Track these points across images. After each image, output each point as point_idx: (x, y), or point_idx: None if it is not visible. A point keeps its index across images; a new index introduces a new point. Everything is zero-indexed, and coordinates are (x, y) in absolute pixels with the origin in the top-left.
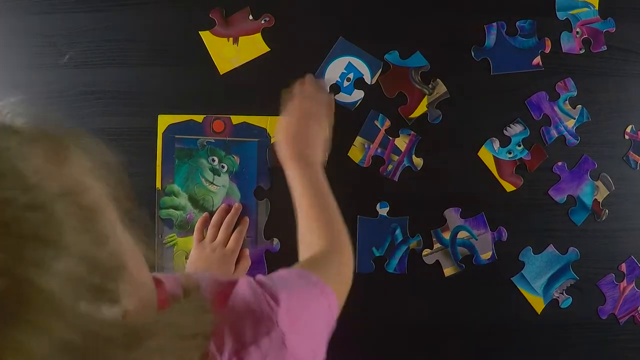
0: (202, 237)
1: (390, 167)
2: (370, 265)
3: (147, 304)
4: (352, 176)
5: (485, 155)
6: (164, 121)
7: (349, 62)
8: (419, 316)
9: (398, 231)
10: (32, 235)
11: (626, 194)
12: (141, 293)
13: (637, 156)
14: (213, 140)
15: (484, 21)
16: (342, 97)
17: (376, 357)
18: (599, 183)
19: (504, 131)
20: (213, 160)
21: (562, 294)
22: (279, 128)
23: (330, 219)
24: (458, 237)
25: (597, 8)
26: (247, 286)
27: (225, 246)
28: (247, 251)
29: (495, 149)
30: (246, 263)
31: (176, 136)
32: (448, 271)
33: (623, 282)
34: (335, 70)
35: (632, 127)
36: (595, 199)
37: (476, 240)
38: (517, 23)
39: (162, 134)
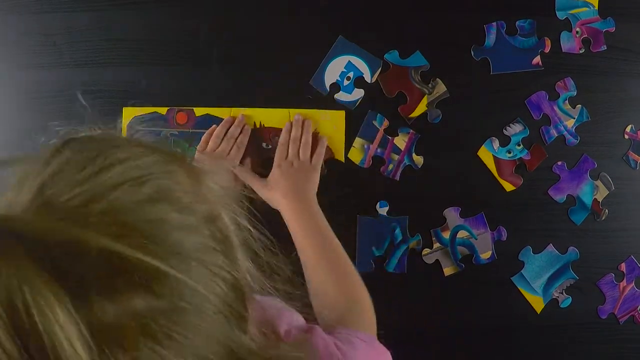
0: (205, 147)
1: (390, 166)
2: (369, 264)
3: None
4: (353, 177)
5: (485, 154)
6: (128, 113)
7: (349, 60)
8: (419, 316)
9: (398, 231)
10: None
11: (626, 193)
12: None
13: (637, 156)
14: (177, 132)
15: (483, 21)
16: (342, 96)
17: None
18: (598, 183)
19: (504, 131)
20: None
21: (562, 293)
22: (272, 173)
23: (342, 268)
24: (458, 236)
25: (596, 8)
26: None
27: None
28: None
29: (495, 148)
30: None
31: (140, 128)
32: (448, 271)
33: (623, 281)
34: (335, 69)
35: (631, 127)
36: (595, 199)
37: (476, 239)
38: (517, 23)
39: (127, 125)
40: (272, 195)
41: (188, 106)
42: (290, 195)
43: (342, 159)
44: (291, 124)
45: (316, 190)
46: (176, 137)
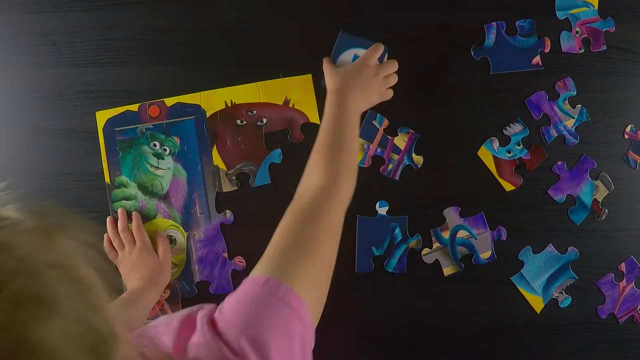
0: (116, 253)
1: (390, 166)
2: (369, 264)
3: None
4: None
5: (485, 154)
6: (102, 117)
7: (355, 54)
8: (419, 316)
9: (397, 230)
10: (25, 298)
11: (626, 193)
12: None
13: (637, 156)
14: (151, 126)
15: (483, 21)
16: None
17: (375, 357)
18: (598, 183)
19: (504, 130)
20: (155, 145)
21: (562, 293)
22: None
23: (339, 148)
24: (457, 236)
25: (596, 7)
26: (202, 342)
27: (135, 244)
28: (159, 232)
29: (495, 148)
30: (162, 239)
31: (116, 129)
32: (447, 270)
33: (622, 281)
34: (344, 63)
35: (631, 127)
36: (595, 199)
37: (475, 239)
38: (517, 22)
39: (102, 129)
40: (329, 81)
41: (158, 99)
42: (340, 92)
43: (318, 121)
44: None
45: (369, 103)
46: (151, 130)
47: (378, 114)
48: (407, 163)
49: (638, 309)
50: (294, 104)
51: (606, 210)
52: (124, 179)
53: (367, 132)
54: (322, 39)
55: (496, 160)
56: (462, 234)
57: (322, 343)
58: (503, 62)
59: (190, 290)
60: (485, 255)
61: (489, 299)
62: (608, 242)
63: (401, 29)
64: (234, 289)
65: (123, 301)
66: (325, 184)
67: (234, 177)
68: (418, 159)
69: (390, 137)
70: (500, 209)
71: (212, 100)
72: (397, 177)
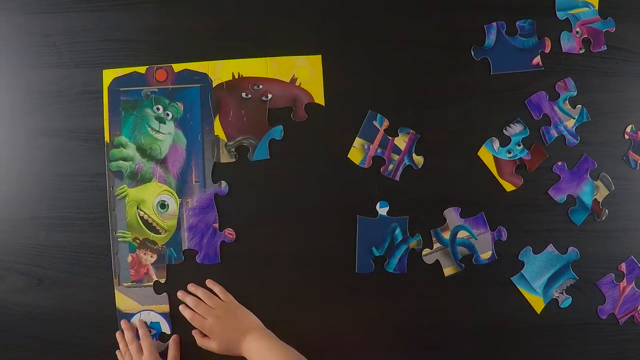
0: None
1: (391, 166)
2: (369, 265)
3: None
4: (353, 177)
5: (485, 154)
6: (109, 75)
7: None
8: (419, 316)
9: (398, 231)
10: None
11: (626, 193)
12: None
13: (637, 156)
14: (157, 90)
15: (484, 21)
16: None
17: (375, 357)
18: (598, 183)
19: (504, 131)
20: (158, 109)
21: (562, 293)
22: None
23: None
24: (458, 236)
25: (597, 8)
26: None
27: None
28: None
29: (495, 148)
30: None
31: (121, 88)
32: (448, 271)
33: (623, 281)
34: None
35: (631, 127)
36: (595, 199)
37: (476, 240)
38: (517, 23)
39: (107, 87)
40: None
41: (166, 63)
42: (226, 351)
43: (322, 103)
44: (183, 293)
45: (252, 321)
46: (156, 94)
47: (378, 115)
48: (407, 163)
49: (638, 309)
50: (300, 83)
51: (606, 211)
52: (123, 139)
53: (367, 133)
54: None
55: (496, 160)
56: (462, 234)
57: (322, 343)
58: (503, 63)
59: (177, 257)
60: (485, 255)
61: (490, 300)
62: (608, 242)
63: (401, 28)
64: (221, 261)
65: None
66: None
67: (233, 149)
68: (418, 160)
69: (390, 138)
70: (500, 209)
71: (220, 71)
72: (397, 178)
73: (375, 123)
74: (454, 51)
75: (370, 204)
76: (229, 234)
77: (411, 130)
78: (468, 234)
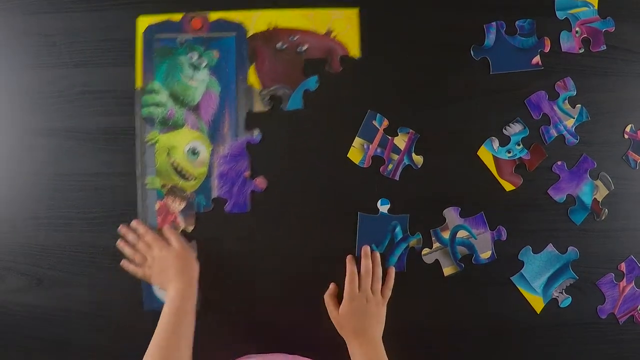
0: (142, 270)
1: (390, 166)
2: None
3: None
4: (353, 177)
5: (485, 154)
6: (144, 22)
7: None
8: (418, 315)
9: (398, 229)
10: None
11: (625, 193)
12: None
13: (637, 155)
14: (192, 38)
15: (483, 20)
16: None
17: None
18: (598, 182)
19: (504, 130)
20: (192, 57)
21: (562, 293)
22: (341, 309)
23: None
24: (457, 236)
25: (596, 7)
26: None
27: (152, 250)
28: (163, 228)
29: (495, 148)
30: (170, 233)
31: (156, 35)
32: (447, 270)
33: (622, 281)
34: None
35: (631, 127)
36: (595, 199)
37: (475, 239)
38: (517, 22)
39: (142, 34)
40: (343, 332)
41: (202, 11)
42: (361, 336)
43: (357, 55)
44: (352, 256)
45: (383, 326)
46: (191, 42)
47: (378, 114)
48: (407, 163)
49: (638, 308)
50: (335, 35)
51: (606, 210)
52: (156, 85)
53: (367, 132)
54: None
55: (496, 160)
56: (462, 234)
57: (322, 342)
58: (503, 62)
59: (206, 205)
60: (485, 255)
61: (489, 299)
62: (608, 242)
63: (401, 28)
64: (250, 210)
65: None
66: None
67: (267, 98)
68: (418, 159)
69: (390, 137)
70: (500, 209)
71: (256, 21)
72: (397, 177)
73: (375, 123)
74: (453, 51)
75: (370, 203)
76: (260, 183)
77: (411, 130)
78: (468, 233)
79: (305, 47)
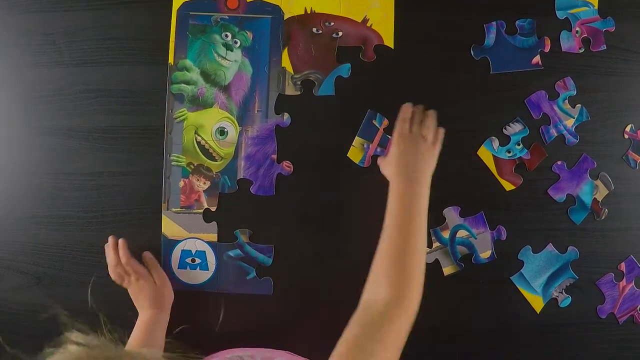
0: (122, 280)
1: None
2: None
3: None
4: (353, 177)
5: (485, 154)
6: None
7: None
8: (418, 315)
9: None
10: None
11: (626, 193)
12: None
13: (637, 155)
14: (227, 17)
15: (483, 20)
16: None
17: None
18: (598, 182)
19: (504, 130)
20: (226, 36)
21: (562, 293)
22: (392, 149)
23: (406, 258)
24: (457, 236)
25: (596, 7)
26: None
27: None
28: (144, 255)
29: (495, 148)
30: (151, 262)
31: (190, 12)
32: (447, 270)
33: (622, 281)
34: None
35: (631, 127)
36: (595, 198)
37: (475, 239)
38: (517, 22)
39: (177, 10)
40: (386, 171)
41: None
42: (403, 175)
43: (392, 45)
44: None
45: (433, 169)
46: (226, 21)
47: (378, 114)
48: None
49: (638, 308)
50: (371, 24)
51: (606, 210)
52: (187, 62)
53: (367, 132)
54: None
55: (496, 159)
56: (462, 233)
57: (321, 342)
58: (503, 62)
59: (231, 186)
60: (485, 254)
61: (489, 299)
62: (608, 242)
63: (401, 28)
64: (275, 193)
65: (141, 341)
66: (393, 300)
67: (299, 82)
68: None
69: (390, 137)
70: (500, 209)
71: (293, 4)
72: None
73: (375, 122)
74: (453, 50)
75: (370, 203)
76: (287, 166)
77: None
78: (467, 233)
79: (340, 34)
